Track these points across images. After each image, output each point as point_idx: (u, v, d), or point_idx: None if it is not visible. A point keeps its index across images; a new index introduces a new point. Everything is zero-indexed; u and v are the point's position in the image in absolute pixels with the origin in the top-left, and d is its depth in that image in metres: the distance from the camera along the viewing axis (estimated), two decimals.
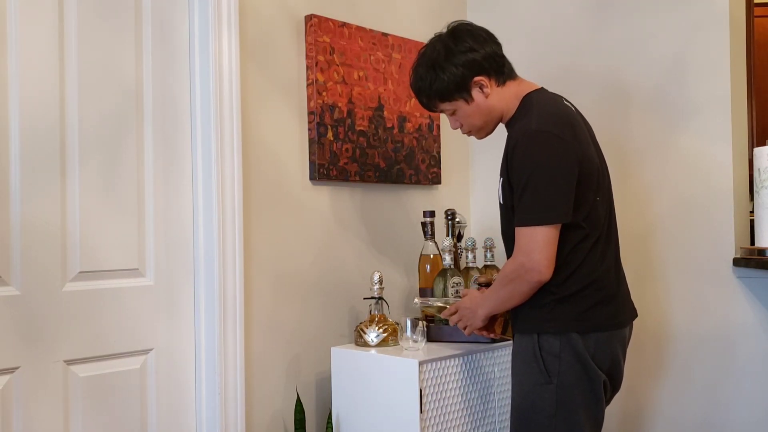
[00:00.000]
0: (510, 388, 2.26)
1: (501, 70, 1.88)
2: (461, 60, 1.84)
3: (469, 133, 1.98)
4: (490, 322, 1.95)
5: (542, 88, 1.91)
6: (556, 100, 1.88)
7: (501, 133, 2.20)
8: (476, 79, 1.85)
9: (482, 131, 1.95)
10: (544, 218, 1.71)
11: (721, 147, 2.29)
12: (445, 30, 1.92)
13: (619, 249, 1.92)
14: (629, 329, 1.92)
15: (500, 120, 1.92)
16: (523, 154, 1.74)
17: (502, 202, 1.87)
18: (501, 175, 1.85)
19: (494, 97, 1.87)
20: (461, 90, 1.86)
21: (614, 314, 1.83)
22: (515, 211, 1.77)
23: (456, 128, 1.98)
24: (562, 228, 1.74)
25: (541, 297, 1.78)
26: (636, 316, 1.94)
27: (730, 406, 2.27)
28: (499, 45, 1.90)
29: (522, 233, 1.74)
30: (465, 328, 1.98)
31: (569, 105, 1.90)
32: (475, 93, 1.86)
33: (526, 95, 1.87)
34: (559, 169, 1.72)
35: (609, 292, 1.82)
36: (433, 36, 1.94)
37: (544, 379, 1.77)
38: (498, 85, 1.87)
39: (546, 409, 1.76)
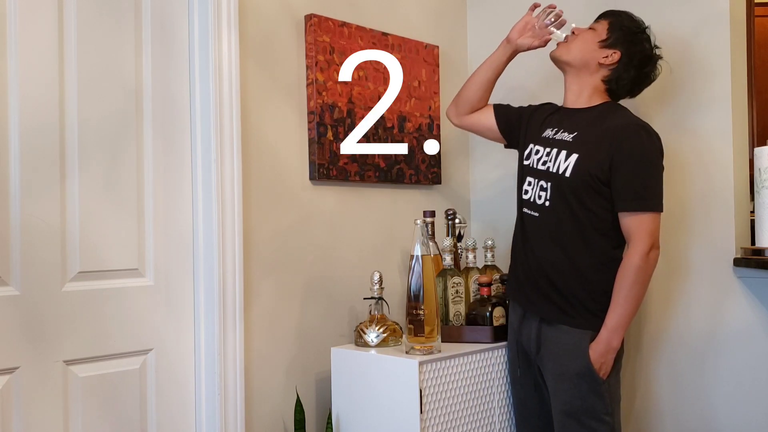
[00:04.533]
0: (509, 388, 2.26)
1: (623, 87, 2.12)
2: (638, 43, 2.08)
3: (557, 47, 2.15)
4: None
5: None
6: None
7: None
8: (618, 53, 2.07)
9: (563, 56, 2.13)
10: (661, 205, 1.98)
11: (722, 147, 2.29)
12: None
13: None
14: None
15: (571, 73, 2.13)
16: (640, 143, 1.95)
17: (569, 175, 1.99)
18: (586, 154, 1.99)
19: (600, 72, 2.10)
20: (614, 36, 2.07)
21: None
22: (624, 195, 1.94)
23: (568, 36, 2.15)
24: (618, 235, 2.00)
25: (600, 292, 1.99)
26: None
27: (729, 407, 2.27)
28: (640, 88, 2.17)
29: (647, 219, 1.93)
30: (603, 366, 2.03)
31: None
32: (608, 52, 2.07)
33: (616, 102, 2.13)
34: (662, 166, 2.00)
35: None
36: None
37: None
38: (605, 81, 2.10)
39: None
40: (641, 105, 2.45)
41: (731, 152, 2.28)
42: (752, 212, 2.28)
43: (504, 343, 2.24)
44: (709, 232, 2.31)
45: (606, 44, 2.07)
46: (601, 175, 1.96)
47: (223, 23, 2.10)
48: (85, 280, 1.90)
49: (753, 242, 2.27)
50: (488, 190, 2.84)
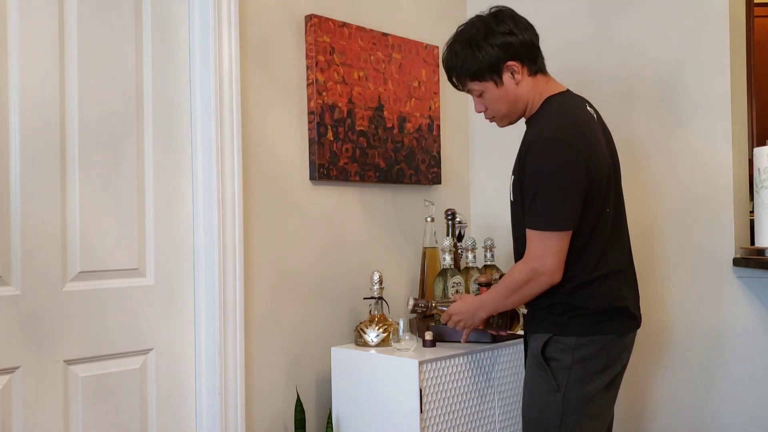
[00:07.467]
0: (510, 388, 2.27)
1: (535, 60, 1.87)
2: (499, 41, 1.83)
3: (492, 119, 1.96)
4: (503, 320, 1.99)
5: (568, 90, 1.91)
6: (577, 106, 1.87)
7: (503, 133, 2.20)
8: (509, 63, 1.84)
9: (505, 119, 1.93)
10: (555, 224, 1.74)
11: (722, 147, 2.29)
12: (487, 11, 1.90)
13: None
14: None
15: (524, 112, 1.90)
16: (535, 159, 1.75)
17: (512, 199, 1.88)
18: (513, 174, 1.86)
19: (524, 86, 1.86)
20: (493, 71, 1.85)
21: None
22: (526, 213, 1.78)
23: (480, 111, 1.96)
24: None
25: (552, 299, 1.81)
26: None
27: (729, 405, 2.27)
28: (537, 36, 1.89)
29: (534, 237, 1.76)
30: (463, 329, 2.00)
31: (591, 112, 1.89)
32: (506, 77, 1.85)
33: (549, 97, 1.86)
34: (568, 178, 1.73)
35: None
36: (473, 17, 1.92)
37: (551, 386, 1.79)
38: (529, 75, 1.86)
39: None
40: (641, 105, 2.46)
41: (731, 152, 2.28)
42: (752, 212, 2.28)
43: (503, 342, 2.24)
44: (708, 232, 2.31)
45: (498, 79, 1.85)
46: (522, 192, 1.82)
47: (223, 24, 2.10)
48: (86, 280, 1.90)
49: (753, 242, 2.28)
50: (488, 190, 2.85)
